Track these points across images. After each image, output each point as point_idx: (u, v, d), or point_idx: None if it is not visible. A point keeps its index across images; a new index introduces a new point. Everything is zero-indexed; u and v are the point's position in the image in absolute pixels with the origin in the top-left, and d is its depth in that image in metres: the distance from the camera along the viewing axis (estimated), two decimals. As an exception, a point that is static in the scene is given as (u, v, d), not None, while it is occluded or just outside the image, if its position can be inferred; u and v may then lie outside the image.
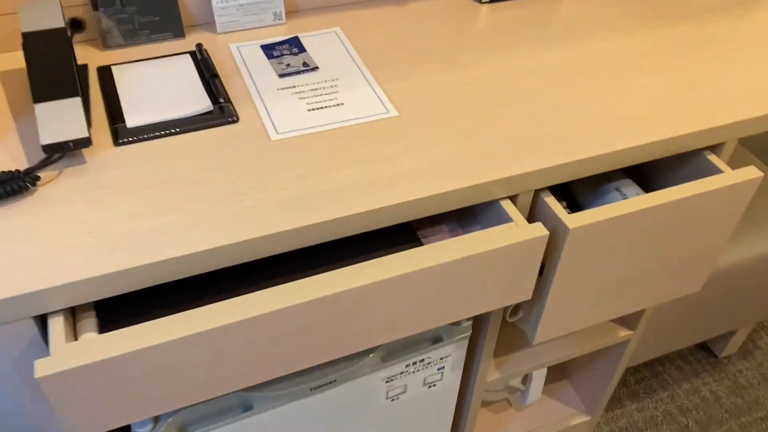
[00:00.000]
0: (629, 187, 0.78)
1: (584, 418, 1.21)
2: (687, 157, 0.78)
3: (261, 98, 0.71)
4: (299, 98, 0.71)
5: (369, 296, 0.59)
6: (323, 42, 0.80)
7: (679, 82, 0.78)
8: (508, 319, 1.01)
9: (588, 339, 1.01)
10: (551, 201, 0.69)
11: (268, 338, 0.57)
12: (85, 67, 0.73)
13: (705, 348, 1.41)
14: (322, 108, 0.70)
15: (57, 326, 0.54)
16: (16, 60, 0.75)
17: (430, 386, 0.88)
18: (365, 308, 0.60)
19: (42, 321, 0.56)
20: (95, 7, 0.74)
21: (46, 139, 0.60)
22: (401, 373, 0.83)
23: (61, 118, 0.61)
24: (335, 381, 0.77)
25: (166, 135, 0.66)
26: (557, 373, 1.28)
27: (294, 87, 0.72)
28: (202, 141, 0.66)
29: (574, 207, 0.82)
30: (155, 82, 0.71)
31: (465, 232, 0.72)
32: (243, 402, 0.74)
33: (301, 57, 0.77)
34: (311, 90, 0.72)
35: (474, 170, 0.64)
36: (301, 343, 0.60)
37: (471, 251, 0.61)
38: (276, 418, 0.76)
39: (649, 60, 0.81)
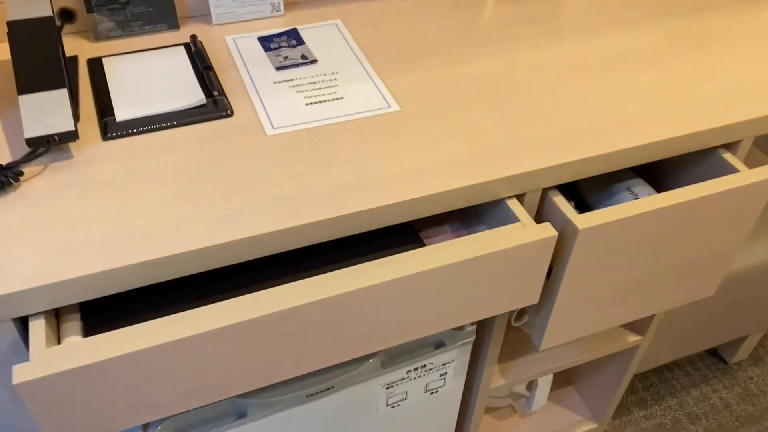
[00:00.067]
0: (640, 186, 0.75)
1: (590, 426, 1.18)
2: (701, 155, 0.75)
3: (257, 91, 0.68)
4: (297, 92, 0.68)
5: (368, 299, 0.56)
6: (323, 34, 0.77)
7: (692, 77, 0.75)
8: (513, 323, 0.98)
9: (596, 344, 0.98)
10: (560, 200, 0.65)
11: (263, 343, 0.54)
12: (74, 58, 0.70)
13: (715, 354, 1.37)
14: (320, 102, 0.67)
15: (38, 329, 0.51)
16: (2, 51, 0.72)
17: (431, 393, 0.85)
18: (364, 311, 0.57)
19: (23, 324, 0.53)
20: (86, -3, 0.71)
21: (30, 132, 0.57)
22: (402, 379, 0.79)
23: (47, 111, 0.58)
24: (333, 387, 0.74)
25: (157, 129, 0.63)
26: (563, 378, 1.25)
27: (291, 80, 0.70)
28: (194, 136, 0.63)
29: (582, 208, 0.79)
30: (147, 75, 0.68)
31: (469, 233, 0.69)
32: (236, 409, 0.71)
33: (299, 49, 0.74)
34: (309, 83, 0.69)
35: (479, 168, 0.61)
36: (298, 348, 0.57)
37: (476, 252, 0.58)
38: (271, 426, 0.73)
39: (660, 55, 0.78)
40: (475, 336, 0.80)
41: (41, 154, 0.58)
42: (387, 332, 0.61)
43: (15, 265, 0.50)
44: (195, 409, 0.69)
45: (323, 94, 0.68)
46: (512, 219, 0.63)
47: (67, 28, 0.74)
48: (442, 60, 0.75)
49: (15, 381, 0.47)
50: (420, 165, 0.61)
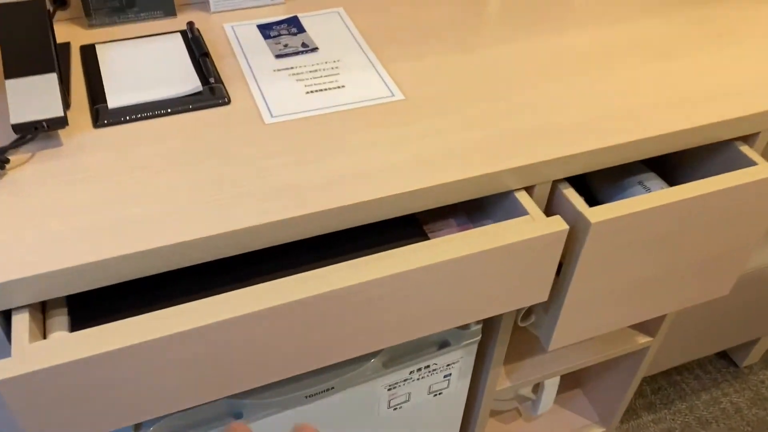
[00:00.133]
0: (653, 180, 0.72)
1: (598, 430, 1.15)
2: (717, 148, 0.72)
3: (255, 79, 0.65)
4: (297, 80, 0.66)
5: (370, 293, 0.53)
6: (324, 22, 0.74)
7: (708, 67, 0.72)
8: (519, 323, 0.95)
9: (605, 346, 0.95)
10: (570, 193, 0.63)
11: (259, 340, 0.52)
12: (66, 45, 0.68)
13: (725, 357, 1.34)
14: (321, 90, 0.64)
15: (21, 324, 0.48)
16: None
17: (435, 394, 0.82)
18: (366, 307, 0.54)
19: (6, 318, 0.50)
20: (80, -17, 0.69)
21: (17, 117, 0.54)
22: (405, 380, 0.77)
23: (35, 96, 0.55)
24: (333, 388, 0.71)
25: (150, 117, 0.60)
26: (570, 381, 1.22)
27: (291, 68, 0.67)
28: (189, 124, 0.60)
29: (592, 204, 0.76)
30: (141, 62, 0.66)
31: (476, 228, 0.66)
32: (232, 409, 0.68)
33: (300, 37, 0.71)
34: (310, 72, 0.67)
35: (486, 158, 0.59)
36: (295, 345, 0.54)
37: (483, 246, 0.55)
38: (268, 428, 0.71)
39: (675, 44, 0.75)
40: (480, 336, 0.77)
41: (28, 141, 0.55)
42: (389, 330, 0.58)
43: (-3, 256, 0.48)
44: (189, 409, 0.66)
45: (324, 83, 0.65)
46: (521, 212, 0.60)
47: (59, 14, 0.72)
48: (447, 48, 0.72)
49: (-5, 378, 0.44)
50: (424, 155, 0.59)
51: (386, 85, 0.66)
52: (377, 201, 0.55)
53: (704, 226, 0.66)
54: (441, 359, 0.77)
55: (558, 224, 0.58)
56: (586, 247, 0.61)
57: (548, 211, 0.65)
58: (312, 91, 0.64)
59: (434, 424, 0.88)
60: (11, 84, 0.55)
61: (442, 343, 0.76)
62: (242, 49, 0.69)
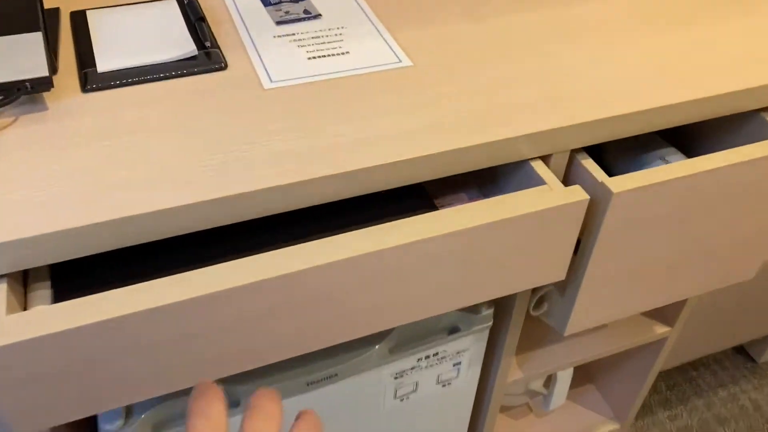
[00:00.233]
0: (675, 156, 0.68)
1: (613, 426, 1.10)
2: (742, 120, 0.68)
3: (254, 45, 0.62)
4: (298, 46, 0.62)
5: (373, 267, 0.49)
6: (327, -9, 0.71)
7: (733, 33, 0.68)
8: (532, 312, 0.91)
9: (622, 336, 0.91)
10: (589, 164, 0.59)
11: (256, 315, 0.48)
12: (56, 10, 0.64)
13: (742, 352, 1.29)
14: (324, 56, 0.61)
15: (-2, 294, 0.45)
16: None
17: (444, 385, 0.78)
18: (369, 282, 0.50)
19: (-16, 289, 0.47)
20: (70, -53, 0.65)
21: (-2, 78, 0.51)
22: (412, 368, 0.73)
23: (18, 55, 0.52)
24: (336, 375, 0.67)
25: (142, 81, 0.57)
26: (583, 375, 1.17)
27: (293, 35, 0.63)
28: (183, 89, 0.57)
29: (610, 181, 0.72)
30: (134, 27, 0.62)
31: (488, 202, 0.62)
32: (229, 397, 0.64)
33: (301, 4, 0.68)
34: (312, 38, 0.63)
35: (498, 125, 0.55)
36: (294, 322, 0.50)
37: (496, 216, 0.51)
38: (268, 416, 0.67)
39: (697, 10, 0.71)
40: (491, 321, 0.73)
41: (9, 102, 0.52)
42: (395, 308, 0.54)
43: (-27, 221, 0.44)
44: (182, 396, 0.62)
45: (327, 49, 0.62)
46: (537, 182, 0.56)
47: (50, -19, 0.69)
48: (457, 15, 0.69)
49: (-33, 350, 0.40)
50: (433, 121, 0.55)
51: (393, 51, 0.62)
52: (382, 167, 0.51)
53: (732, 201, 0.62)
54: (450, 346, 0.73)
55: (578, 194, 0.54)
56: (607, 221, 0.57)
57: (566, 184, 0.61)
58: (314, 57, 0.61)
59: (443, 418, 0.84)
60: (-7, 43, 0.52)
61: (451, 328, 0.72)
62: (241, 16, 0.66)
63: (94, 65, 0.57)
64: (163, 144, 0.51)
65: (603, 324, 0.93)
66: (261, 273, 0.46)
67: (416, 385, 0.75)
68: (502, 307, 0.76)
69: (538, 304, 0.92)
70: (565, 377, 0.98)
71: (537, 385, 1.05)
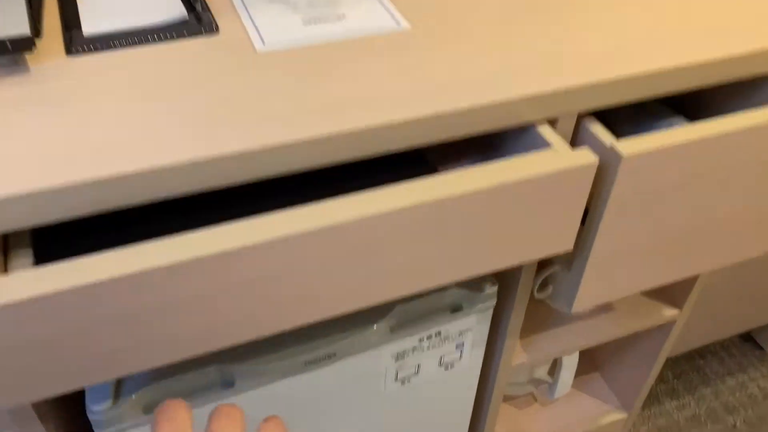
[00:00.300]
0: (685, 124, 0.66)
1: (619, 416, 1.07)
2: (755, 86, 0.65)
3: (246, 9, 0.59)
4: (292, 11, 0.59)
5: (369, 232, 0.47)
6: (323, -42, 0.68)
7: None
8: (536, 295, 0.88)
9: (628, 319, 0.88)
10: (598, 129, 0.56)
11: (247, 282, 0.45)
12: (40, -24, 0.62)
13: (750, 340, 1.27)
14: (319, 20, 0.58)
15: (-26, 258, 0.42)
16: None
17: (446, 368, 0.75)
18: (365, 249, 0.48)
19: (-40, 256, 0.44)
20: None
21: (-24, 37, 0.48)
22: (413, 348, 0.70)
23: (-3, 15, 0.49)
24: (335, 354, 0.65)
25: (129, 45, 0.54)
26: (588, 364, 1.15)
27: None
28: (172, 53, 0.54)
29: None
30: (121, -9, 0.60)
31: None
32: (223, 377, 0.62)
33: (296, -30, 0.65)
34: (307, 1, 0.61)
35: (501, 86, 0.52)
36: (288, 291, 0.48)
37: (501, 179, 0.49)
38: (262, 398, 0.64)
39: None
40: (495, 300, 0.71)
41: (-11, 63, 0.49)
42: (393, 278, 0.51)
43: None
44: (175, 376, 0.60)
45: (322, 12, 0.59)
46: (543, 146, 0.54)
47: (35, -51, 0.66)
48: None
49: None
50: (433, 83, 0.52)
51: (391, 14, 0.60)
52: (380, 128, 0.48)
53: (750, 168, 0.60)
54: (453, 325, 0.70)
55: (586, 156, 0.51)
56: (616, 188, 0.54)
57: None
58: (308, 20, 0.58)
59: (445, 404, 0.81)
60: (-29, 1, 0.50)
61: (454, 307, 0.70)
62: (233, -18, 0.63)
63: (80, 28, 0.55)
64: (150, 107, 0.49)
65: (610, 305, 0.90)
66: (253, 236, 0.43)
67: (418, 367, 0.73)
68: (506, 286, 0.74)
69: (543, 286, 0.89)
70: (570, 363, 0.95)
71: (541, 373, 1.03)
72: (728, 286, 1.03)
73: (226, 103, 0.49)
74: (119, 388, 0.59)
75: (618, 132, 0.70)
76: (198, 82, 0.51)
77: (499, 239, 0.53)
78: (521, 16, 0.61)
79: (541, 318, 0.88)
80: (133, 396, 0.58)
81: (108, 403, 0.57)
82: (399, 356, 0.70)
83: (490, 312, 0.72)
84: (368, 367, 0.68)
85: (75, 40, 0.54)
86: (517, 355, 0.83)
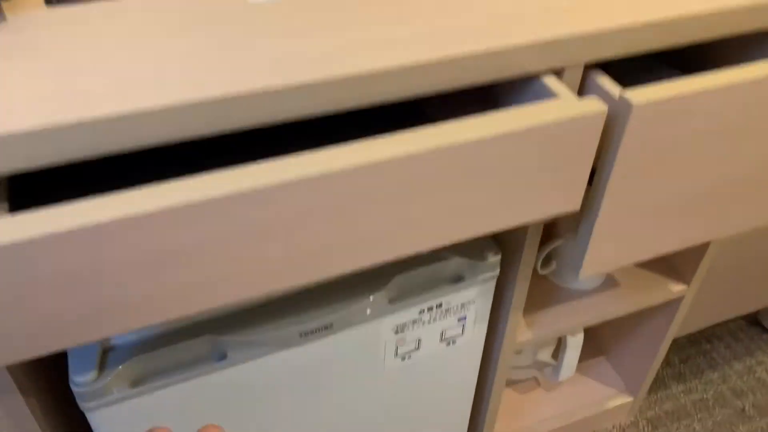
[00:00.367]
0: (694, 84, 0.63)
1: (625, 399, 1.05)
2: (762, 41, 0.63)
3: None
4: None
5: (363, 183, 0.44)
6: None
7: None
8: (540, 271, 0.86)
9: (635, 295, 0.85)
10: (605, 81, 0.54)
11: (235, 233, 0.43)
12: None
13: (757, 324, 1.24)
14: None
15: (-57, 207, 0.40)
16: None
17: (448, 343, 0.73)
18: (361, 201, 0.45)
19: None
20: None
21: (-52, -19, 0.46)
22: (414, 321, 0.67)
23: (-29, -41, 0.47)
24: (332, 325, 0.62)
25: (112, -5, 0.52)
26: (593, 347, 1.12)
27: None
28: (158, 4, 0.52)
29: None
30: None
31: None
32: (214, 349, 0.59)
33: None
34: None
35: (504, 33, 0.50)
36: (282, 246, 0.45)
37: (505, 128, 0.46)
38: (255, 373, 0.61)
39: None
40: (498, 270, 0.68)
41: (-38, 8, 0.47)
42: (391, 234, 0.48)
43: None
44: (164, 347, 0.57)
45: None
46: (548, 96, 0.51)
47: None
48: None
49: None
50: (435, 30, 0.50)
51: (387, -34, 0.57)
52: (376, 75, 0.46)
53: (766, 124, 0.57)
54: (455, 297, 0.67)
55: (595, 104, 0.49)
56: (626, 141, 0.52)
57: (578, 106, 0.56)
58: (301, -27, 0.55)
59: (447, 383, 0.78)
60: (-57, -55, 0.47)
61: (455, 277, 0.67)
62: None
63: (60, -22, 0.52)
64: (135, 54, 0.46)
65: (616, 282, 0.87)
66: (239, 184, 0.41)
67: (418, 342, 0.70)
68: (508, 258, 0.71)
69: (546, 262, 0.87)
70: (575, 344, 0.92)
71: (545, 355, 1.00)
72: (735, 264, 1.00)
73: (214, 49, 0.46)
74: (104, 359, 0.56)
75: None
76: (187, 30, 0.48)
77: (504, 194, 0.50)
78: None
79: (546, 296, 0.85)
80: (120, 368, 0.55)
81: (92, 375, 0.54)
82: (399, 329, 0.67)
83: (493, 283, 0.69)
84: (367, 340, 0.65)
85: (55, -10, 0.51)
86: (521, 332, 0.80)
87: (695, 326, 1.07)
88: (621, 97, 0.50)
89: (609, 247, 0.61)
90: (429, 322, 0.68)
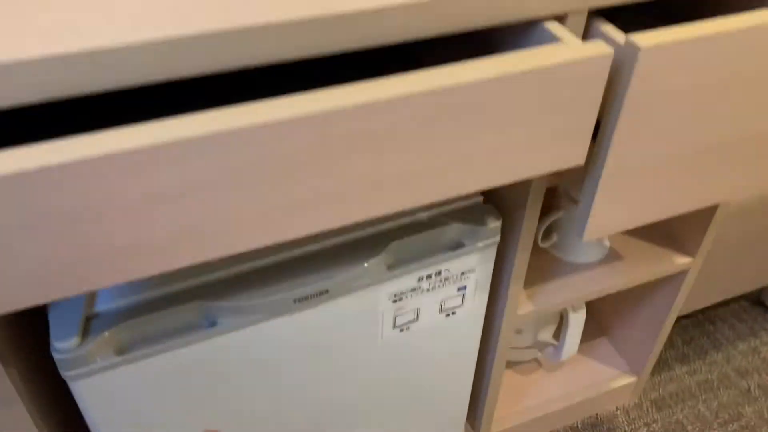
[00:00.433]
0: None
1: (629, 380, 1.02)
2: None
3: None
4: None
5: (359, 126, 0.42)
6: None
7: None
8: (540, 244, 0.84)
9: (639, 268, 0.83)
10: (610, 29, 0.51)
11: (223, 179, 0.40)
12: None
13: (760, 304, 1.22)
14: None
15: None
16: None
17: (448, 314, 0.70)
18: (356, 147, 0.43)
19: None
20: None
21: None
22: (412, 289, 0.65)
23: None
24: (327, 292, 0.59)
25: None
26: (595, 328, 1.10)
27: None
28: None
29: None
30: None
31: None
32: (204, 315, 0.56)
33: None
34: None
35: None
36: (268, 194, 0.42)
37: (507, 69, 0.44)
38: (247, 341, 0.59)
39: None
40: (499, 236, 0.66)
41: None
42: (386, 185, 0.46)
43: None
44: (151, 313, 0.54)
45: None
46: (551, 43, 0.49)
47: None
48: None
49: None
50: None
51: None
52: (370, 13, 0.43)
53: None
54: (454, 264, 0.65)
55: (600, 48, 0.46)
56: (632, 89, 0.49)
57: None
58: None
59: (447, 356, 0.76)
60: None
61: (455, 244, 0.64)
62: None
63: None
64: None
65: (619, 254, 0.85)
66: (226, 123, 0.38)
67: (417, 312, 0.67)
68: (509, 228, 0.69)
69: (547, 234, 0.85)
70: (577, 321, 0.90)
71: (547, 335, 0.98)
72: (739, 240, 0.98)
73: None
74: (89, 326, 0.53)
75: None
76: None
77: (507, 143, 0.48)
78: None
79: (547, 270, 0.83)
80: (106, 334, 0.53)
81: (75, 341, 0.51)
82: (397, 297, 0.64)
83: (494, 251, 0.67)
84: (364, 308, 0.63)
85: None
86: (522, 305, 0.78)
87: (699, 304, 1.05)
88: (627, 42, 0.48)
89: (613, 207, 0.58)
90: (428, 290, 0.66)
